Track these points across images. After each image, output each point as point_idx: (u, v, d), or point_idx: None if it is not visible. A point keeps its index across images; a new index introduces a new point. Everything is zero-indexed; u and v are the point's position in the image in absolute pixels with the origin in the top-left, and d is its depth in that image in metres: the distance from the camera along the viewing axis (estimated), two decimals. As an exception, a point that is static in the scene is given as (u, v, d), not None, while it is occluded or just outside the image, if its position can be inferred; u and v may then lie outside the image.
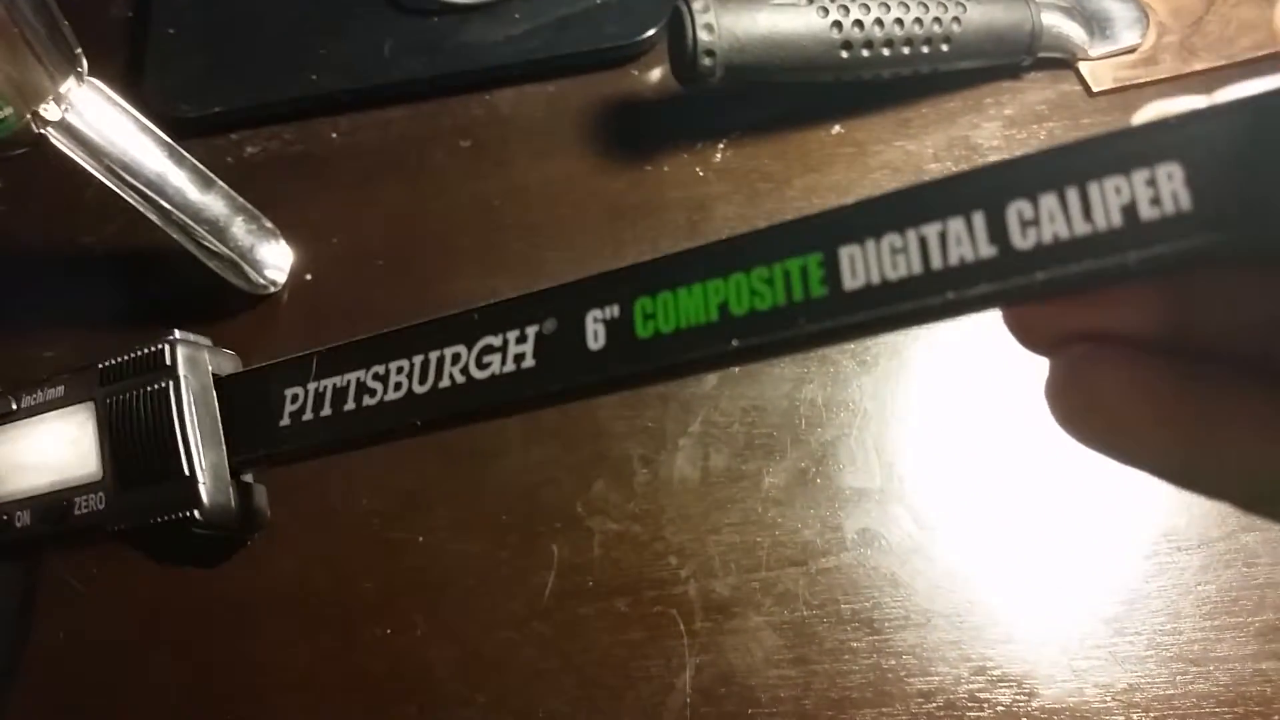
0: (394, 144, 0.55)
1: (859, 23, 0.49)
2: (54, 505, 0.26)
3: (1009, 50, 0.53)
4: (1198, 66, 0.52)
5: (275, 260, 0.50)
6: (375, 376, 0.23)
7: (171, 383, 0.26)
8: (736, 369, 0.46)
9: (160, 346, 0.27)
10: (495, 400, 0.22)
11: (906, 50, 0.50)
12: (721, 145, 0.53)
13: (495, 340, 0.22)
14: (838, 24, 0.49)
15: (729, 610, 0.42)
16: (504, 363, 0.22)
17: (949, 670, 0.39)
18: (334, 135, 0.55)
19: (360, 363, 0.24)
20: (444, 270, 0.51)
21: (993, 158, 0.51)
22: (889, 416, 0.45)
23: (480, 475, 0.45)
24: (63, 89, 0.43)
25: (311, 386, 0.25)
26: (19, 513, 0.27)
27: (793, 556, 0.42)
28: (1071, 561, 0.41)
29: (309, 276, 0.51)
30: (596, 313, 0.21)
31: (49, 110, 0.43)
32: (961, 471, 0.43)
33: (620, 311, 0.21)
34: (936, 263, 0.18)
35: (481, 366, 0.22)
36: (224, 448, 0.26)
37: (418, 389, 0.23)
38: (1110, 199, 0.16)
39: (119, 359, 0.27)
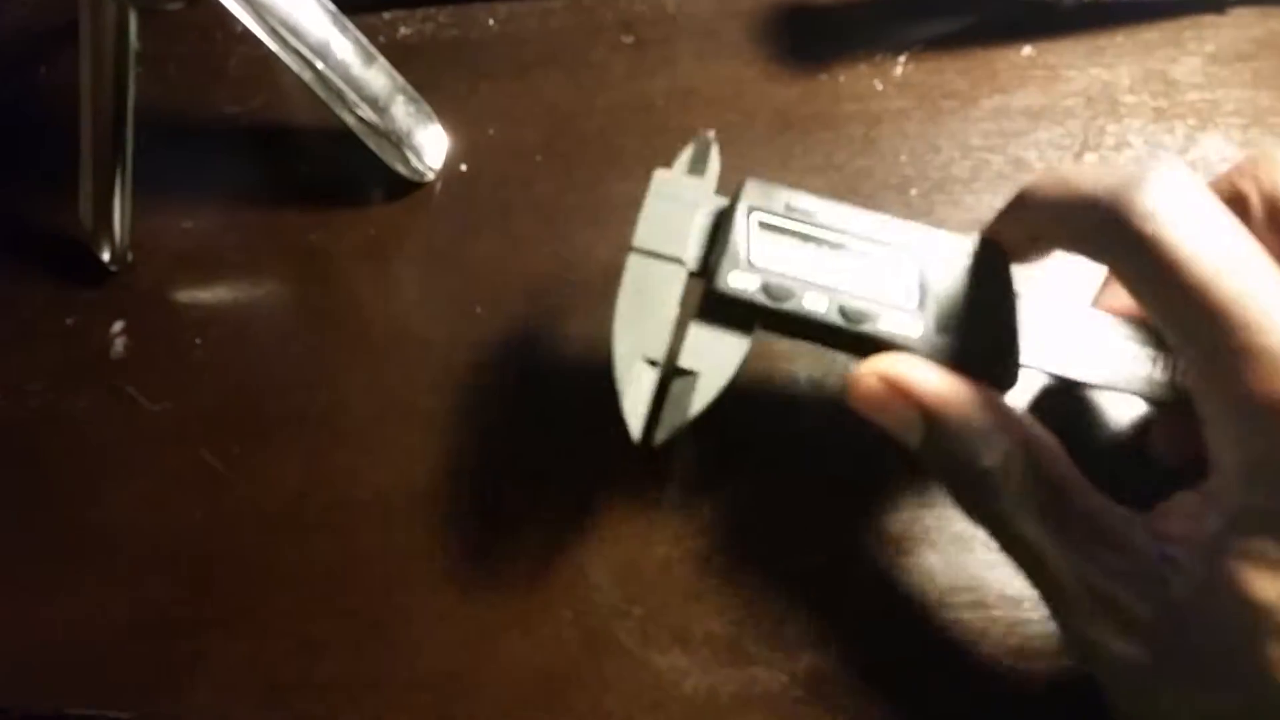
0: (554, 35, 0.52)
1: (1071, -65, 0.46)
2: (858, 309, 0.32)
3: (1221, -22, 0.49)
4: None
5: (433, 146, 0.48)
6: None
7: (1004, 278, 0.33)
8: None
9: (986, 245, 0.33)
10: None
11: (1115, -31, 0.47)
12: (902, 59, 0.50)
13: None
14: (1048, -66, 0.46)
15: (900, 545, 0.39)
16: None
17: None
18: (491, 22, 0.53)
19: None
20: (605, 170, 0.48)
21: (1192, 96, 0.48)
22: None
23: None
24: (235, -60, 0.41)
25: None
26: (813, 295, 0.32)
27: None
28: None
29: (464, 167, 0.49)
30: None
31: (218, -36, 0.41)
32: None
33: None
34: None
35: None
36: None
37: None
38: None
39: (938, 235, 0.33)
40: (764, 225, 0.32)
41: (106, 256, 0.47)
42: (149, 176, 0.47)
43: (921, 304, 0.32)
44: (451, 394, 0.44)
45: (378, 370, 0.44)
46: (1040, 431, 0.31)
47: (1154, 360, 0.33)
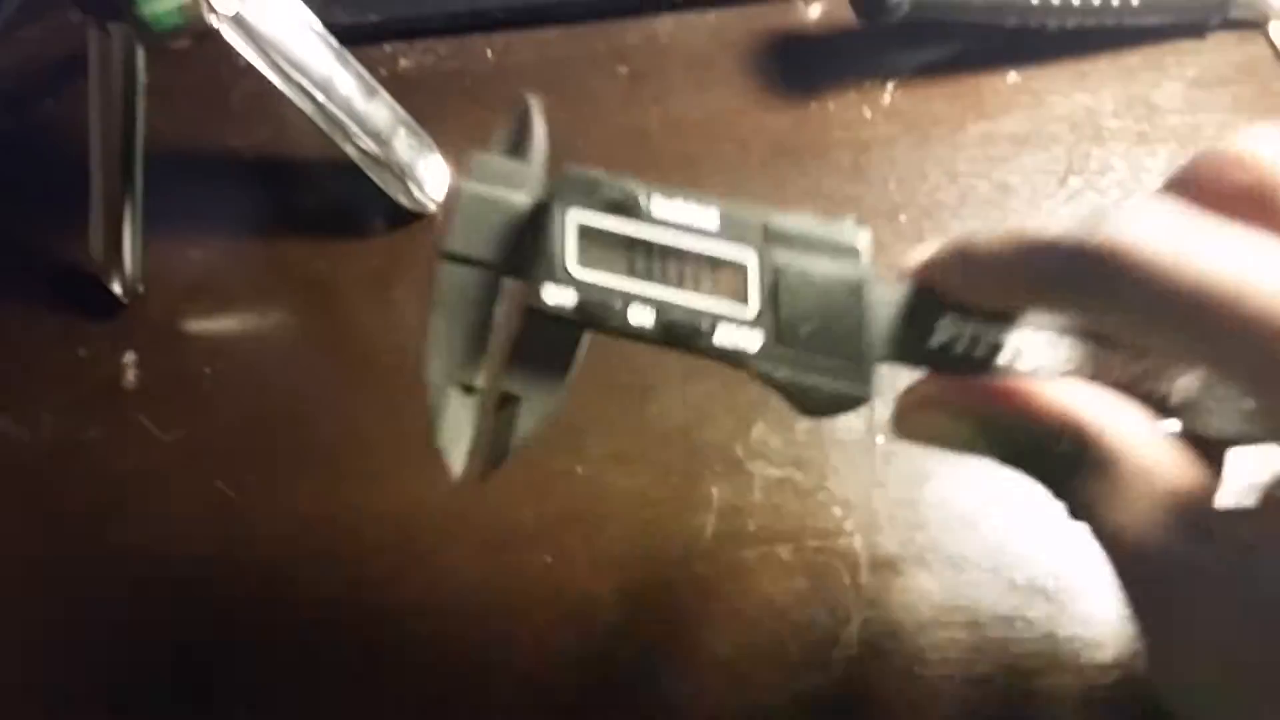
0: (551, 66, 0.53)
1: (1054, -33, 0.47)
2: (687, 322, 0.27)
3: (1200, 7, 0.51)
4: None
5: (434, 177, 0.49)
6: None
7: (862, 277, 0.28)
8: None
9: (849, 234, 0.28)
10: None
11: (1097, 0, 0.48)
12: (890, 86, 0.51)
13: None
14: (1032, -34, 0.47)
15: (896, 567, 0.41)
16: None
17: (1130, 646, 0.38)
18: (489, 53, 0.54)
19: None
20: (602, 198, 0.49)
21: (1174, 120, 0.50)
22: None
23: (639, 409, 0.44)
24: (238, -18, 0.42)
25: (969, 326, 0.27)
26: (638, 308, 0.28)
27: (963, 515, 0.41)
28: None
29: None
30: None
31: (223, 2, 0.42)
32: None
33: None
34: None
35: None
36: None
37: None
38: None
39: (794, 225, 0.28)
40: (584, 228, 0.28)
41: (118, 288, 0.48)
42: (157, 209, 0.48)
43: (762, 312, 0.27)
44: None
45: (385, 397, 0.45)
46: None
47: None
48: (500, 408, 0.29)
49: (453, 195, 0.30)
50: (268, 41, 0.44)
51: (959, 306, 0.27)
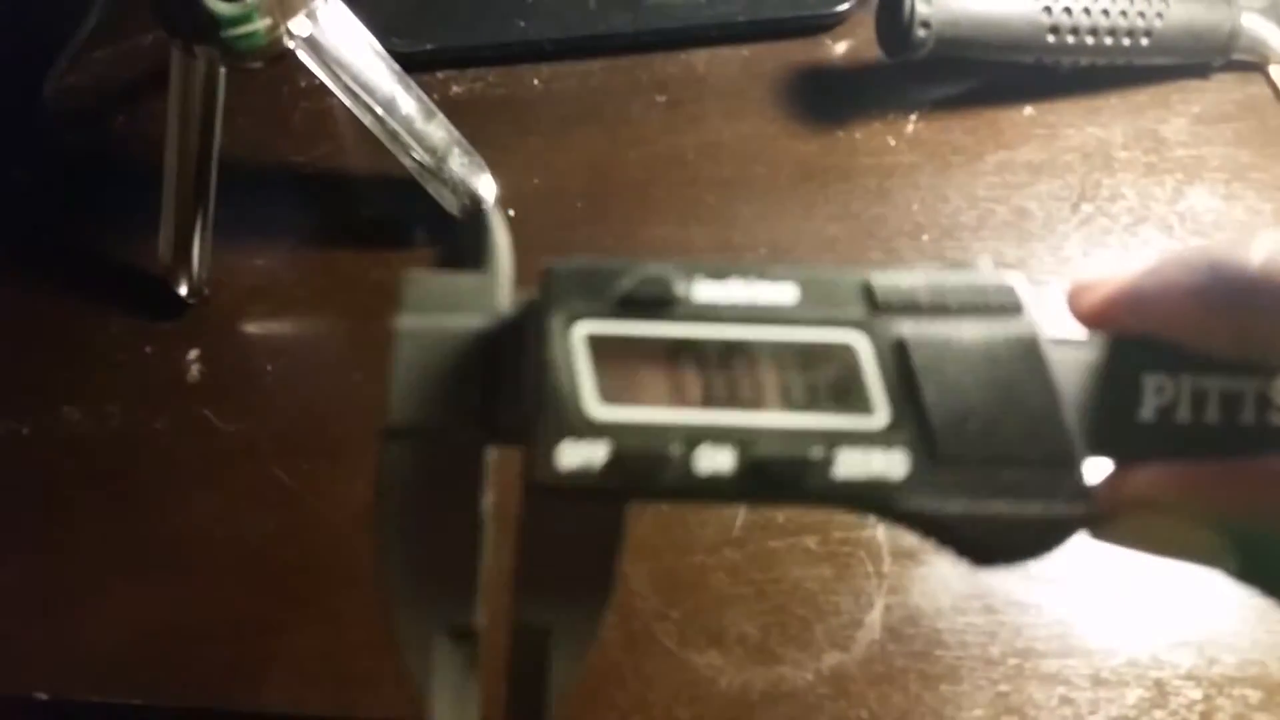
0: (593, 94, 0.57)
1: (1068, 9, 0.50)
2: (786, 456, 0.19)
3: (1205, 49, 0.54)
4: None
5: (484, 193, 0.52)
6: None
7: (1035, 333, 0.19)
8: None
9: (990, 276, 0.20)
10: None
11: (1109, 41, 0.52)
12: (913, 117, 0.54)
13: None
14: (1048, 8, 0.50)
15: (917, 556, 0.43)
16: None
17: (1137, 632, 0.41)
18: (536, 82, 0.57)
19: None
20: (640, 217, 0.53)
21: (1180, 152, 0.53)
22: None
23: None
24: (314, 4, 0.45)
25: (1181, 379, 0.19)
26: (706, 449, 0.19)
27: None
28: None
29: (511, 212, 0.53)
30: None
31: (299, 24, 0.45)
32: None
33: None
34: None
35: None
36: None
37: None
38: None
39: (909, 281, 0.19)
40: (598, 340, 0.19)
41: (184, 290, 0.51)
42: (222, 219, 0.51)
43: (896, 416, 0.19)
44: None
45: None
46: None
47: None
48: (521, 652, 0.20)
49: (398, 335, 0.20)
50: (337, 62, 0.47)
51: (1167, 355, 0.20)
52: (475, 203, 0.19)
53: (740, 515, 0.44)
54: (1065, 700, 0.40)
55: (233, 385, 0.50)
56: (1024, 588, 0.42)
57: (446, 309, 0.20)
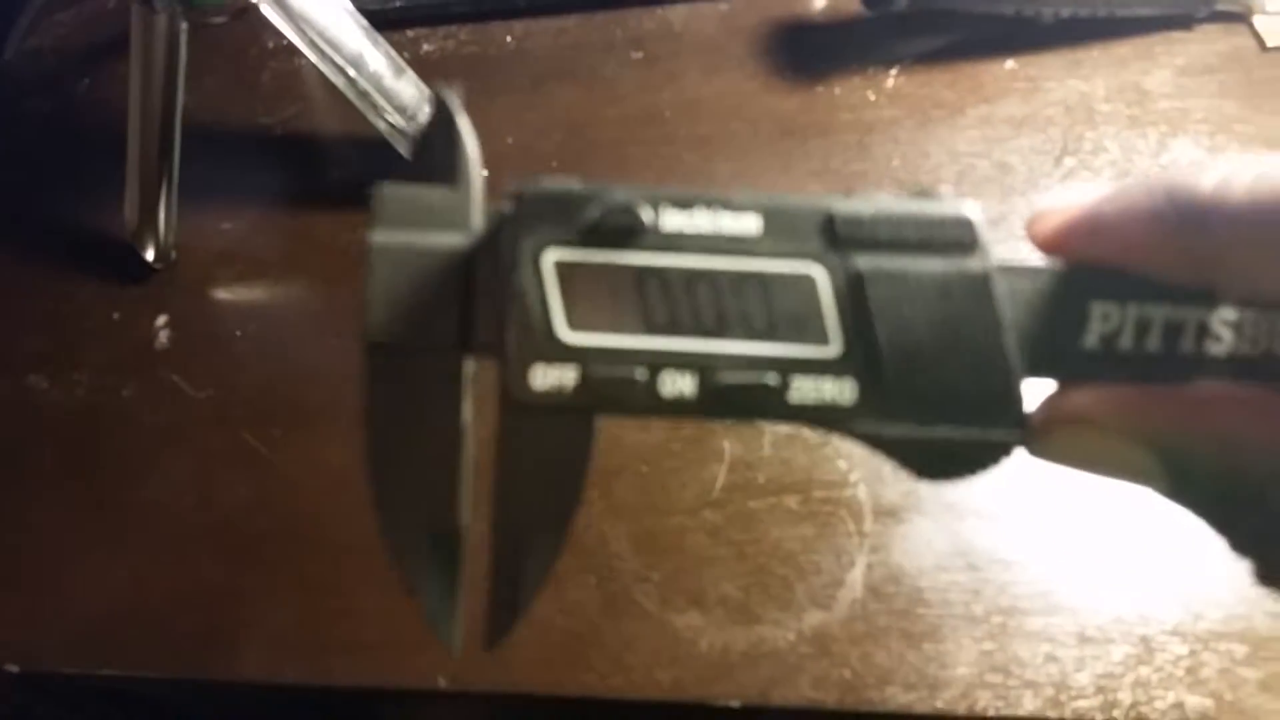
0: (567, 52, 0.56)
1: (1049, -44, 0.50)
2: (744, 383, 0.20)
3: (1188, -1, 0.53)
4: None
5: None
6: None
7: (986, 268, 0.20)
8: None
9: (952, 208, 0.20)
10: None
11: (1092, -12, 0.51)
12: (893, 71, 0.53)
13: None
14: (1028, -44, 0.49)
15: (899, 514, 0.42)
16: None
17: (1122, 589, 0.40)
18: (508, 39, 0.56)
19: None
20: (617, 176, 0.52)
21: (1163, 105, 0.52)
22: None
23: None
24: (278, -40, 0.44)
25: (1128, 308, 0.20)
26: (670, 373, 0.20)
27: (963, 468, 0.43)
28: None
29: (485, 172, 0.52)
30: None
31: (263, -20, 0.44)
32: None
33: None
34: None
35: None
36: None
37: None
38: None
39: (870, 210, 0.20)
40: (566, 267, 0.20)
41: (151, 255, 0.50)
42: (188, 181, 0.50)
43: (849, 346, 0.20)
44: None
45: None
46: None
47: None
48: (499, 552, 0.21)
49: (372, 245, 0.21)
50: (302, 18, 0.46)
51: (1117, 283, 0.20)
52: (442, 108, 0.18)
53: (721, 476, 0.44)
54: (1050, 658, 0.39)
55: (202, 351, 0.49)
56: (1008, 545, 0.41)
57: (420, 224, 0.21)
